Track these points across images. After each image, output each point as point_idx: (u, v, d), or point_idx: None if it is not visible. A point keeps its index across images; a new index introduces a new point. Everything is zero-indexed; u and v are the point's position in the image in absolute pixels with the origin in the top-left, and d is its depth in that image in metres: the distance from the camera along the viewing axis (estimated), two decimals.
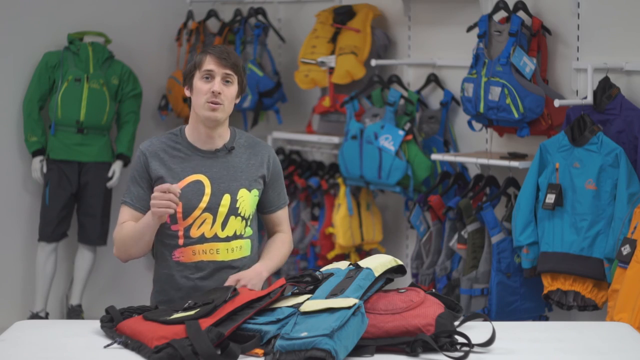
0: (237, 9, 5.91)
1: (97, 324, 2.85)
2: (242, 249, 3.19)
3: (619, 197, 3.93)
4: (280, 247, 3.30)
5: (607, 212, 3.97)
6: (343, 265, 2.85)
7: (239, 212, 3.16)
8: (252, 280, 3.10)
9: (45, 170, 5.61)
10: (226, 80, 3.12)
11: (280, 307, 2.71)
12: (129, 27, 6.03)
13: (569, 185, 4.06)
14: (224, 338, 2.57)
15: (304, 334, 2.46)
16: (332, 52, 5.20)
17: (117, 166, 5.72)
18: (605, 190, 3.97)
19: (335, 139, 5.20)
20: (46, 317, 5.65)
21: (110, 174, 5.70)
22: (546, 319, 4.42)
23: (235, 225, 3.17)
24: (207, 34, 5.96)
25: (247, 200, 3.18)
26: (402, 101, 4.92)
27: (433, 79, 5.00)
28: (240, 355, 2.55)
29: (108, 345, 2.69)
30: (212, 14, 6.03)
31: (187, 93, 3.19)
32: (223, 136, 3.20)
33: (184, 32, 6.05)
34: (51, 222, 5.60)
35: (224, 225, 3.15)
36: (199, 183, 3.15)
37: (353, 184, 5.08)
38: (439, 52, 5.02)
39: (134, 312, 2.85)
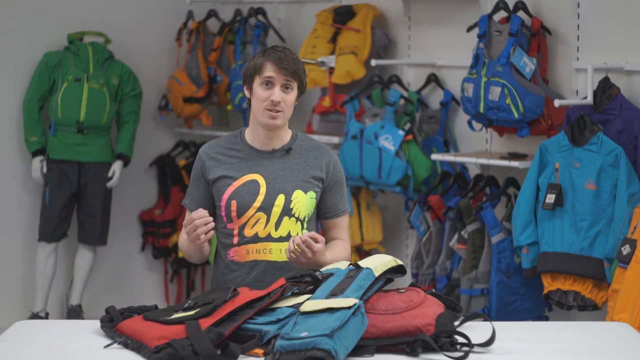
0: (237, 9, 5.91)
1: (97, 324, 2.84)
2: None
3: (619, 197, 3.92)
4: (339, 249, 3.21)
5: (607, 212, 3.97)
6: (343, 265, 2.85)
7: (292, 212, 3.14)
8: (319, 248, 2.99)
9: (45, 170, 5.61)
10: (286, 87, 3.10)
11: (280, 307, 2.70)
12: (129, 27, 6.03)
13: (569, 185, 4.06)
14: (224, 338, 2.57)
15: (304, 334, 2.46)
16: (332, 52, 5.20)
17: (117, 166, 5.72)
18: (605, 190, 3.97)
19: (335, 139, 5.19)
20: (46, 317, 5.65)
21: (110, 174, 5.70)
22: (546, 319, 4.42)
23: (289, 226, 3.15)
24: (207, 34, 5.96)
25: (303, 201, 3.15)
26: (402, 101, 4.91)
27: (433, 79, 5.00)
28: (240, 355, 2.55)
29: (108, 345, 2.68)
30: (212, 14, 6.03)
31: (246, 94, 3.17)
32: (282, 138, 3.19)
33: (184, 32, 6.05)
34: (51, 222, 5.59)
35: (277, 225, 3.14)
36: (254, 182, 3.14)
37: (353, 184, 5.08)
38: (439, 52, 5.02)
39: (134, 312, 2.85)
